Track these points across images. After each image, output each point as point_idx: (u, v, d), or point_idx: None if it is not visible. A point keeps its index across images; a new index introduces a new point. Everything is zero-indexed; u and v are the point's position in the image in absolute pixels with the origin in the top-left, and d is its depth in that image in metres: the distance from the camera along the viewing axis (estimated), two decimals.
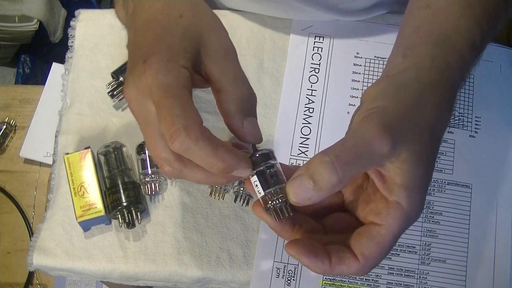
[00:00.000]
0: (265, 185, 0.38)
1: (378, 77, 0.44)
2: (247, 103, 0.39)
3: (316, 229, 0.40)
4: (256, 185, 0.38)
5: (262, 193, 0.38)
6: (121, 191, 0.57)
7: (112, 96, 0.62)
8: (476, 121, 0.62)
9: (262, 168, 0.38)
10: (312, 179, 0.35)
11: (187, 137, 0.35)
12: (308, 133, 0.62)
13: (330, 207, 0.42)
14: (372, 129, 0.35)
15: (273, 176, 0.38)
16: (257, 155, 0.39)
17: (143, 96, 0.38)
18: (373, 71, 0.64)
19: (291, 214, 0.38)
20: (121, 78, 0.61)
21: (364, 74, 0.64)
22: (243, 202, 0.59)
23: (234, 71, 0.40)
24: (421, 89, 0.38)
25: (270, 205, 0.38)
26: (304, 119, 0.62)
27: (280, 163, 0.40)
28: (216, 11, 0.66)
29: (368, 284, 0.57)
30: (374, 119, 0.36)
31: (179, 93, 0.36)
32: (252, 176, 0.39)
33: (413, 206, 0.37)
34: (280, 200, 0.38)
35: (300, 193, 0.35)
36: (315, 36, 0.66)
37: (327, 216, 0.41)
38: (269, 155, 0.39)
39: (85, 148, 0.59)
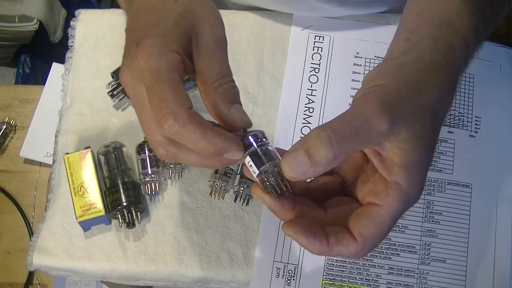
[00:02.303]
0: (259, 164, 0.38)
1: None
2: (231, 94, 0.39)
3: (317, 212, 0.40)
4: (251, 166, 0.38)
5: (257, 172, 0.38)
6: (121, 191, 0.57)
7: (112, 96, 0.62)
8: (476, 121, 0.62)
9: (254, 148, 0.38)
10: (307, 153, 0.35)
11: (175, 121, 0.35)
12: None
13: (330, 191, 0.42)
14: (371, 106, 0.35)
15: (266, 154, 0.38)
16: (248, 136, 0.39)
17: (137, 80, 0.38)
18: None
19: (290, 190, 0.38)
20: None
21: (364, 74, 0.64)
22: (243, 202, 0.59)
23: (220, 65, 0.40)
24: (422, 69, 0.38)
25: (266, 182, 0.38)
26: (304, 119, 0.62)
27: (276, 148, 0.40)
28: None
29: (368, 284, 0.57)
30: (373, 97, 0.36)
31: (169, 77, 0.36)
32: (245, 157, 0.38)
33: (413, 186, 0.36)
34: (276, 176, 0.37)
35: (295, 167, 0.35)
36: (315, 36, 0.66)
37: (328, 200, 0.41)
38: (258, 135, 0.39)
39: (85, 148, 0.59)
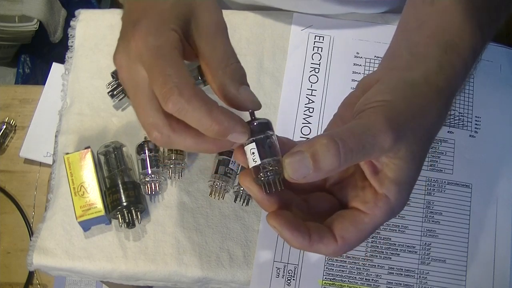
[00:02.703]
0: (262, 154, 0.37)
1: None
2: (239, 74, 0.39)
3: (300, 205, 0.40)
4: (253, 153, 0.37)
5: (258, 162, 0.37)
6: (121, 191, 0.57)
7: (112, 96, 0.62)
8: (476, 121, 0.62)
9: (261, 136, 0.37)
10: (313, 158, 0.35)
11: (180, 96, 0.34)
12: (308, 133, 0.62)
13: (312, 185, 0.42)
14: (379, 122, 0.36)
15: (270, 147, 0.37)
16: (255, 123, 0.38)
17: (133, 61, 0.37)
18: (373, 71, 0.64)
19: (283, 188, 0.37)
20: None
21: (364, 74, 0.64)
22: (243, 202, 0.59)
23: (224, 46, 0.39)
24: (429, 93, 0.39)
25: (262, 176, 0.37)
26: (304, 119, 0.62)
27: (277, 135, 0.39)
28: None
29: (368, 284, 0.57)
30: (382, 113, 0.36)
31: (170, 53, 0.36)
32: (250, 143, 0.37)
33: (400, 202, 0.37)
34: (274, 172, 0.37)
35: (298, 169, 0.35)
36: (315, 36, 0.66)
37: (310, 194, 0.41)
38: (268, 124, 0.38)
39: (85, 148, 0.59)
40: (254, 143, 0.37)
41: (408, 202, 0.58)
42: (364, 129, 0.35)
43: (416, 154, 0.37)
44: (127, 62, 0.38)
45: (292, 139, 0.61)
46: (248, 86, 0.39)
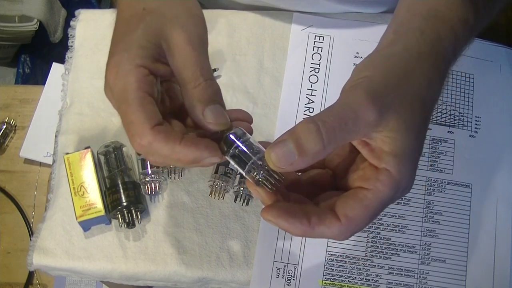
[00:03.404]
0: (241, 164, 0.37)
1: None
2: (208, 93, 0.39)
3: (310, 207, 0.39)
4: (236, 166, 0.38)
5: (243, 172, 0.38)
6: (121, 191, 0.57)
7: None
8: (476, 121, 0.62)
9: (231, 150, 0.38)
10: (296, 143, 0.34)
11: (141, 142, 0.36)
12: None
13: (322, 184, 0.41)
14: (358, 97, 0.35)
15: (245, 152, 0.37)
16: (228, 136, 0.38)
17: (112, 98, 0.39)
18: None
19: (282, 177, 0.37)
20: None
21: None
22: (243, 202, 0.59)
23: (193, 65, 0.39)
24: (409, 58, 0.38)
25: (256, 177, 0.37)
26: (304, 119, 0.62)
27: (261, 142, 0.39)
28: (216, 11, 0.67)
29: (368, 284, 0.57)
30: (360, 87, 0.36)
31: (134, 97, 0.37)
32: (228, 159, 0.38)
33: (403, 174, 0.36)
34: (263, 170, 0.37)
35: (282, 156, 0.35)
36: (315, 36, 0.66)
37: (320, 194, 0.41)
38: (238, 133, 0.38)
39: (85, 148, 0.59)
40: (230, 158, 0.38)
41: (408, 203, 0.58)
42: (343, 106, 0.35)
43: (410, 123, 0.36)
44: (111, 97, 0.39)
45: None
46: (220, 103, 0.39)
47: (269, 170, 0.37)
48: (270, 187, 0.37)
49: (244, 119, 0.41)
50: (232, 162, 0.38)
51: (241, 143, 0.38)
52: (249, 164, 0.37)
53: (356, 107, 0.35)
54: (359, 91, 0.36)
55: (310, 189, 0.41)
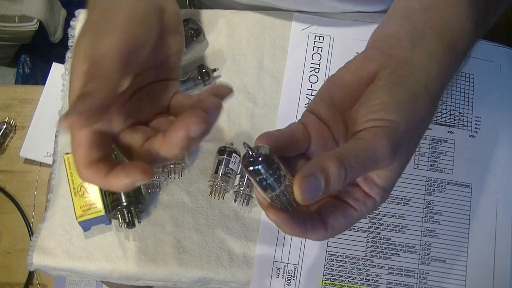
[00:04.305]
0: (269, 190, 0.36)
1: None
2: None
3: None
4: (260, 190, 0.36)
5: (269, 197, 0.37)
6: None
7: None
8: (476, 121, 0.62)
9: (263, 175, 0.35)
10: (326, 182, 0.35)
11: (81, 175, 0.37)
12: None
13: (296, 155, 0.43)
14: (383, 149, 0.37)
15: (271, 179, 0.35)
16: (260, 158, 0.35)
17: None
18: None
19: (296, 206, 0.38)
20: None
21: None
22: (243, 202, 0.59)
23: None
24: (428, 103, 0.40)
25: (276, 202, 0.37)
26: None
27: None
28: (216, 11, 0.67)
29: (368, 284, 0.57)
30: (387, 137, 0.37)
31: (75, 132, 0.37)
32: (255, 182, 0.36)
33: (383, 201, 0.40)
34: (287, 197, 0.37)
35: (312, 193, 0.35)
36: (315, 36, 0.66)
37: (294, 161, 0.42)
38: (270, 158, 0.35)
39: None
40: (258, 184, 0.36)
41: (408, 203, 0.58)
42: (369, 155, 0.37)
43: (405, 164, 0.39)
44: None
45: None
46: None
47: (289, 197, 0.36)
48: (289, 207, 0.38)
49: (223, 92, 0.41)
50: (257, 186, 0.36)
51: (273, 170, 0.35)
52: (274, 193, 0.36)
53: (380, 159, 0.37)
54: (386, 142, 0.37)
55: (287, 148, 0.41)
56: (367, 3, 0.65)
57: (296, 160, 0.40)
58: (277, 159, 0.36)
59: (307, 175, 0.35)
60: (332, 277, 0.57)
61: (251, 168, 0.35)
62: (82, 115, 0.33)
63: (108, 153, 0.39)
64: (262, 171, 0.35)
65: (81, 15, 0.68)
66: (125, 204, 0.56)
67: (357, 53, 0.65)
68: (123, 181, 0.37)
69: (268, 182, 0.35)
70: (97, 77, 0.35)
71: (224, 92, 0.41)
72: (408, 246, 0.58)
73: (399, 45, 0.41)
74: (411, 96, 0.39)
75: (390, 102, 0.39)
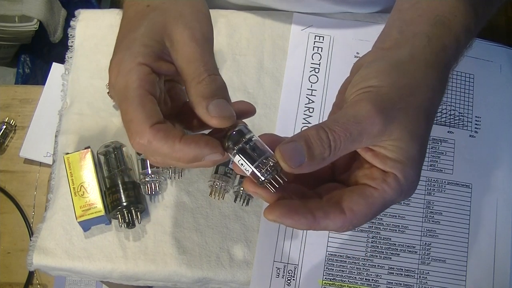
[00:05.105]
0: (250, 160, 0.37)
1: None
2: (212, 88, 0.38)
3: (314, 201, 0.40)
4: (242, 164, 0.37)
5: (251, 170, 0.37)
6: (121, 191, 0.57)
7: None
8: (476, 121, 0.62)
9: (241, 145, 0.37)
10: (306, 145, 0.35)
11: (140, 140, 0.36)
12: None
13: (321, 176, 0.42)
14: (364, 109, 0.36)
15: (255, 149, 0.37)
16: (233, 133, 0.37)
17: (114, 96, 0.39)
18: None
19: (286, 179, 0.37)
20: None
21: None
22: (243, 202, 0.59)
23: (196, 61, 0.39)
24: (415, 69, 0.39)
25: (262, 178, 0.37)
26: (304, 119, 0.62)
27: (263, 134, 0.39)
28: (216, 11, 0.67)
29: (368, 284, 0.57)
30: (367, 99, 0.37)
31: (134, 95, 0.37)
32: (234, 156, 0.37)
33: (407, 180, 0.37)
34: (271, 170, 0.37)
35: (293, 157, 0.35)
36: (315, 36, 0.66)
37: (322, 186, 0.41)
38: (241, 131, 0.37)
39: (85, 148, 0.59)
40: (237, 155, 0.37)
41: (408, 203, 0.58)
42: (349, 117, 0.36)
43: (415, 133, 0.37)
44: (114, 95, 0.39)
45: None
46: (226, 98, 0.38)
47: (277, 169, 0.37)
48: (273, 189, 0.37)
49: (247, 110, 0.41)
50: (239, 159, 0.37)
51: (248, 140, 0.37)
52: (259, 160, 0.37)
53: (362, 120, 0.36)
54: (366, 104, 0.36)
55: (309, 179, 0.41)
56: (361, 5, 0.65)
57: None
58: (255, 136, 0.38)
59: (286, 142, 0.36)
60: (332, 277, 0.57)
61: (229, 142, 0.37)
62: None
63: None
64: (236, 137, 0.37)
65: (81, 15, 0.68)
66: (125, 204, 0.56)
67: (357, 53, 0.65)
68: (193, 151, 0.36)
69: (247, 153, 0.37)
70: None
71: (246, 110, 0.40)
72: (408, 246, 0.58)
73: (389, 37, 0.42)
74: (393, 63, 0.39)
75: (368, 72, 0.39)
